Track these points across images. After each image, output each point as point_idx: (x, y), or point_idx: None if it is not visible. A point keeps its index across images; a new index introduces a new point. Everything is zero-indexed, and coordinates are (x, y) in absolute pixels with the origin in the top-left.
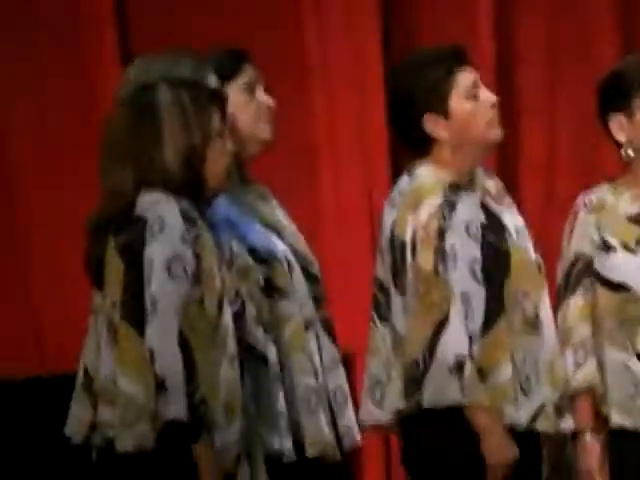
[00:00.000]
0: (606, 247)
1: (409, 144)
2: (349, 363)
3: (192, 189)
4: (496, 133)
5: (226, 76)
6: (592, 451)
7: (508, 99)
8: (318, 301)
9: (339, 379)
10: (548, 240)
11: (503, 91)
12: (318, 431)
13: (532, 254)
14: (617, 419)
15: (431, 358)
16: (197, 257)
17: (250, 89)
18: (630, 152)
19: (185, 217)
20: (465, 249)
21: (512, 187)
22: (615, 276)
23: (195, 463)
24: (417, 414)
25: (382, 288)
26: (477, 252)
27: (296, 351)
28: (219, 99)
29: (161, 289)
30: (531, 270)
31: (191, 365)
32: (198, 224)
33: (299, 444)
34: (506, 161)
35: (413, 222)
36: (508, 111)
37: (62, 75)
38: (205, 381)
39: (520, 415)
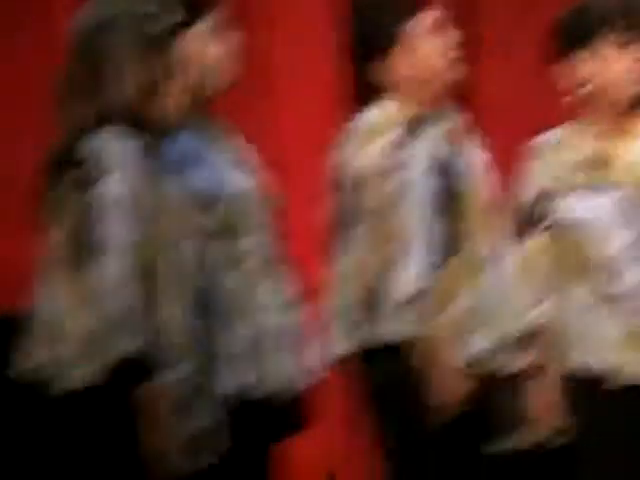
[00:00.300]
0: (566, 187)
1: (372, 79)
2: (310, 299)
3: (145, 126)
4: (456, 73)
5: (196, 13)
6: (545, 391)
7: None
8: (278, 238)
9: (298, 316)
10: (509, 177)
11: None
12: (279, 368)
13: (490, 191)
14: (572, 359)
15: (385, 291)
16: (153, 194)
17: (219, 28)
18: (586, 92)
19: (143, 153)
20: (421, 183)
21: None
22: (573, 217)
23: (144, 400)
24: (373, 346)
25: (341, 221)
26: (434, 187)
27: (255, 289)
28: (173, 36)
29: (114, 226)
30: (488, 208)
31: (144, 303)
32: (156, 160)
33: (259, 381)
34: (469, 100)
35: (370, 155)
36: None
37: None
38: (158, 319)
39: (472, 350)
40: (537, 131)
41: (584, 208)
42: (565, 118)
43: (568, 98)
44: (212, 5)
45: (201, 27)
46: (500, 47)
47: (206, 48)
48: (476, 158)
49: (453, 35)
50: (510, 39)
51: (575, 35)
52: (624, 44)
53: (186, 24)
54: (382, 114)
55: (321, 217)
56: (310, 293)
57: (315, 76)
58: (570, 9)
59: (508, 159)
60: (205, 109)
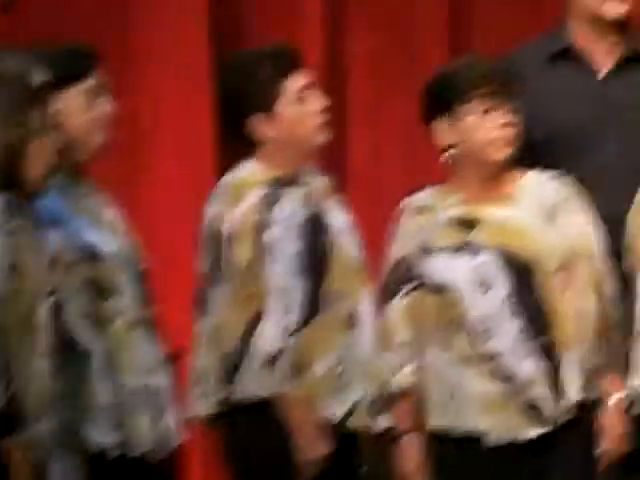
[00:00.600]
0: (428, 250)
1: (236, 142)
2: (177, 361)
3: (12, 185)
4: (322, 137)
5: (70, 77)
6: (410, 453)
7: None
8: (146, 299)
9: (165, 378)
10: (374, 241)
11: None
12: (142, 430)
13: (355, 253)
14: (435, 421)
15: (246, 351)
16: (12, 251)
17: (92, 95)
18: (453, 156)
19: (9, 212)
20: (285, 243)
21: (339, 187)
22: (436, 279)
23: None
24: (233, 407)
25: (205, 281)
26: (297, 247)
27: (122, 349)
28: (44, 97)
29: None
30: (353, 269)
31: (2, 358)
32: (16, 218)
33: (123, 442)
34: (333, 165)
35: (234, 215)
36: (336, 117)
37: None
38: (17, 375)
39: (335, 410)
40: (403, 194)
41: (450, 270)
42: (431, 181)
43: (441, 160)
44: (87, 68)
45: (75, 89)
46: (366, 112)
47: (79, 111)
48: (340, 220)
49: (320, 99)
50: (377, 105)
51: (441, 101)
52: (488, 110)
53: (60, 85)
54: (250, 173)
55: (190, 276)
56: (178, 353)
57: (188, 134)
58: (436, 75)
59: (374, 221)
60: (75, 170)
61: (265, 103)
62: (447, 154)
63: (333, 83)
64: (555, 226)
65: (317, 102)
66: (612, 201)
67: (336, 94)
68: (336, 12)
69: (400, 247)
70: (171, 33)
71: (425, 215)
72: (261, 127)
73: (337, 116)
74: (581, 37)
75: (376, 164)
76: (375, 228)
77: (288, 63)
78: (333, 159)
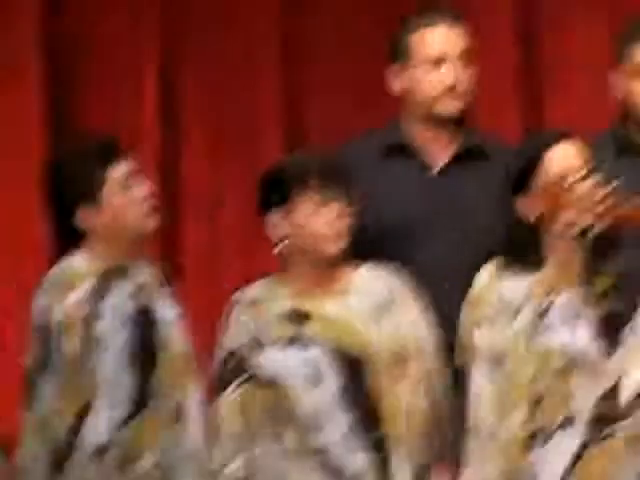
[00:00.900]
0: (259, 344)
1: (64, 235)
2: (7, 451)
3: None
4: (150, 224)
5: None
6: None
7: (171, 190)
8: None
9: None
10: (208, 333)
11: (167, 182)
12: None
13: (184, 346)
14: None
15: (75, 442)
16: None
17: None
18: (287, 248)
19: None
20: (114, 336)
21: (175, 278)
22: (268, 372)
23: None
24: None
25: (34, 372)
26: (126, 340)
27: None
28: None
29: None
30: (181, 362)
31: None
32: None
33: None
34: (169, 251)
35: (64, 306)
36: (172, 202)
37: None
38: None
39: None
40: (238, 286)
41: (281, 363)
42: (264, 273)
43: (275, 251)
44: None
45: None
46: (202, 204)
47: None
48: (170, 313)
49: (145, 187)
50: (213, 197)
51: (275, 193)
52: (321, 202)
53: None
54: (79, 264)
55: (19, 367)
56: (7, 444)
57: (19, 227)
58: (272, 167)
59: (209, 312)
60: None
61: (90, 194)
62: (281, 246)
63: (169, 177)
64: (387, 321)
65: (142, 189)
66: (445, 295)
67: (174, 187)
68: (173, 109)
69: (232, 339)
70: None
71: (258, 307)
72: (88, 218)
73: (173, 208)
74: (416, 132)
75: (214, 257)
76: (210, 319)
77: (110, 152)
78: (169, 251)
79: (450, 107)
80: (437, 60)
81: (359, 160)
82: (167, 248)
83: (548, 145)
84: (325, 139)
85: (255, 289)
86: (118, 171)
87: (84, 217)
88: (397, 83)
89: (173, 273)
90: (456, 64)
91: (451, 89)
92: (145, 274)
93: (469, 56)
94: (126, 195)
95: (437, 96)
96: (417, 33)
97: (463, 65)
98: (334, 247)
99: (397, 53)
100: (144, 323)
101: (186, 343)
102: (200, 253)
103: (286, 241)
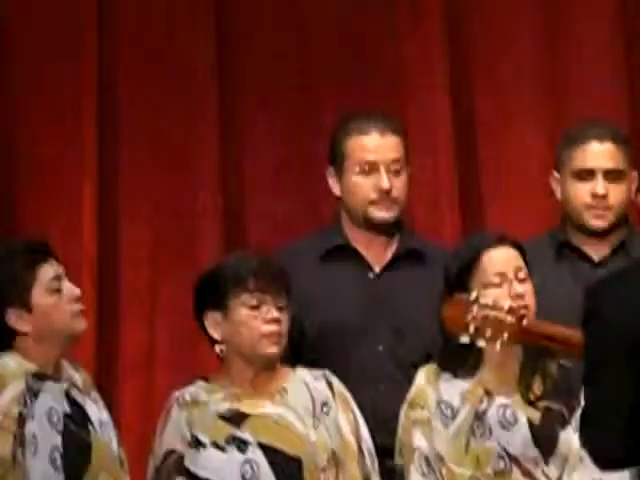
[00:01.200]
0: (197, 444)
1: (4, 327)
2: None
3: None
4: (79, 325)
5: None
6: None
7: (110, 295)
8: None
9: None
10: (146, 433)
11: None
12: None
13: (115, 447)
14: None
15: None
16: None
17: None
18: (223, 350)
19: None
20: (45, 437)
21: (112, 381)
22: (205, 473)
23: None
24: None
25: None
26: (58, 441)
27: None
28: None
29: None
30: (112, 463)
31: None
32: None
33: None
34: (106, 355)
35: None
36: (108, 305)
37: None
38: None
39: None
40: (173, 387)
41: (217, 465)
42: (207, 373)
43: (213, 353)
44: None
45: None
46: (141, 305)
47: None
48: (100, 414)
49: (73, 289)
50: (153, 295)
51: (212, 295)
52: (257, 305)
53: None
54: (9, 366)
55: None
56: None
57: None
58: (208, 269)
59: (144, 414)
60: None
61: (19, 296)
62: (218, 348)
63: (107, 274)
64: (324, 422)
65: (70, 291)
66: (382, 396)
67: (113, 286)
68: (111, 201)
69: (171, 438)
70: None
71: (194, 408)
72: (18, 319)
73: (112, 309)
74: (355, 235)
75: (149, 360)
76: (145, 419)
77: (38, 254)
78: (107, 354)
79: (383, 213)
80: (370, 167)
81: (298, 262)
82: (102, 348)
83: (487, 247)
84: (264, 241)
85: (193, 390)
86: (47, 273)
87: (13, 318)
88: (336, 185)
89: (107, 373)
90: (388, 171)
91: (384, 195)
92: (75, 376)
93: (402, 164)
94: (54, 297)
95: (371, 201)
96: (352, 138)
97: (395, 173)
98: (270, 349)
99: (334, 156)
100: (76, 423)
101: (116, 444)
102: (136, 352)
103: (223, 343)
